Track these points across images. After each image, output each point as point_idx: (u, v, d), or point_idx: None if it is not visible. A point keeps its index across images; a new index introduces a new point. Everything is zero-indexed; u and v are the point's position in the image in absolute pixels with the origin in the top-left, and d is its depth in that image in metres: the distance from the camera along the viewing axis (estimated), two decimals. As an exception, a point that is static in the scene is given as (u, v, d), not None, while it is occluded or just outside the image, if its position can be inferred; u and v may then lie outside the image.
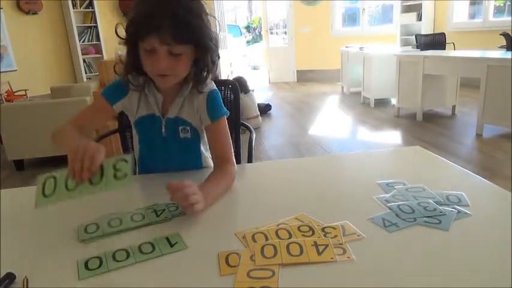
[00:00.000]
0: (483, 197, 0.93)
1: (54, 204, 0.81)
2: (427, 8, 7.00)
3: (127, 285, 0.66)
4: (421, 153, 1.27)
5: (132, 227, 0.82)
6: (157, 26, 0.92)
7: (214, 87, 1.15)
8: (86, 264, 0.70)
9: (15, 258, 0.75)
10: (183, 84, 1.11)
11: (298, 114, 5.47)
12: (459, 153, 3.47)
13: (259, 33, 15.63)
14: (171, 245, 0.75)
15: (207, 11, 1.04)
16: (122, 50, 1.11)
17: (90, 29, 7.11)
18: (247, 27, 18.01)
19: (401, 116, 4.85)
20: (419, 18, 7.06)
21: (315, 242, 0.73)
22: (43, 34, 6.60)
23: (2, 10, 5.84)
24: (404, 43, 7.18)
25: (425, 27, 7.03)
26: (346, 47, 6.58)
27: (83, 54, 6.99)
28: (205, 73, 1.08)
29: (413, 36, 6.18)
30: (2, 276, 0.66)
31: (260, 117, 4.93)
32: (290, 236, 0.76)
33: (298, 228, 0.79)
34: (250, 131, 1.54)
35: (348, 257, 0.69)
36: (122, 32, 1.02)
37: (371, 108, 5.44)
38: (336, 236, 0.75)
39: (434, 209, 0.84)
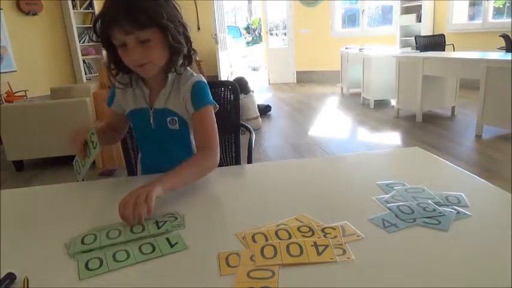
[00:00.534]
0: (482, 197, 0.93)
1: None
2: (427, 9, 7.01)
3: (127, 285, 0.66)
4: (421, 154, 1.27)
5: (131, 239, 0.78)
6: (115, 18, 0.97)
7: (202, 79, 1.17)
8: (86, 264, 0.71)
9: (16, 258, 0.75)
10: (168, 75, 1.14)
11: (298, 115, 5.47)
12: (458, 154, 3.47)
13: (259, 34, 15.64)
14: (171, 246, 0.75)
15: None
16: None
17: (90, 30, 7.11)
18: (247, 28, 18.03)
19: (400, 117, 4.85)
20: (419, 19, 7.07)
21: (315, 243, 0.73)
22: (43, 35, 6.60)
23: (2, 11, 5.84)
24: (404, 44, 7.18)
25: (425, 29, 7.03)
26: (346, 48, 6.59)
27: (82, 55, 7.00)
28: (176, 55, 1.09)
29: (413, 38, 6.19)
30: (2, 277, 0.66)
31: (260, 118, 4.93)
32: (290, 237, 0.76)
33: (298, 228, 0.79)
34: (250, 132, 1.54)
35: (348, 258, 0.69)
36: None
37: (370, 109, 5.45)
38: (335, 237, 0.75)
39: (434, 210, 0.84)
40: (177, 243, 0.76)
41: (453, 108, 4.82)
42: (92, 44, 7.13)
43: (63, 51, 6.94)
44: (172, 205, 0.94)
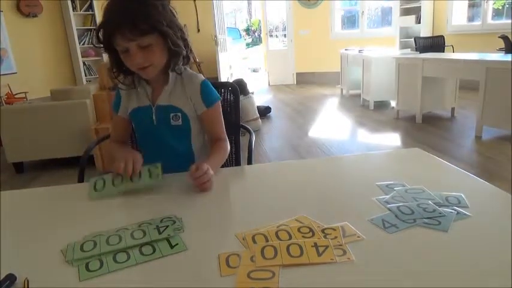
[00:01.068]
0: (482, 198, 0.93)
1: (103, 198, 1.02)
2: (426, 11, 7.02)
3: (128, 286, 0.66)
4: (421, 155, 1.27)
5: (132, 245, 0.76)
6: (118, 27, 1.04)
7: (204, 77, 1.27)
8: (86, 265, 0.71)
9: (16, 260, 0.75)
10: (169, 73, 1.21)
11: (298, 117, 5.48)
12: (458, 155, 3.47)
13: (259, 36, 15.66)
14: (172, 247, 0.76)
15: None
16: None
17: (90, 32, 7.11)
18: (247, 30, 18.05)
19: (400, 118, 4.86)
20: (418, 20, 7.08)
21: (315, 243, 0.73)
22: (43, 37, 6.61)
23: (2, 13, 5.85)
24: (404, 46, 7.19)
25: (424, 30, 7.04)
26: (346, 49, 6.60)
27: (82, 56, 7.00)
28: (176, 57, 1.16)
29: (413, 39, 6.20)
30: (2, 278, 0.66)
31: (260, 120, 4.94)
32: (290, 237, 0.76)
33: (298, 229, 0.79)
34: (250, 133, 1.54)
35: (348, 258, 0.69)
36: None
37: (370, 111, 5.45)
38: (335, 237, 0.76)
39: (434, 210, 0.84)
40: (177, 244, 0.76)
41: (453, 109, 4.82)
42: (91, 45, 7.13)
43: (63, 53, 6.94)
44: (172, 207, 0.94)
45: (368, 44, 6.80)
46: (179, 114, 1.23)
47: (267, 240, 0.75)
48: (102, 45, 1.12)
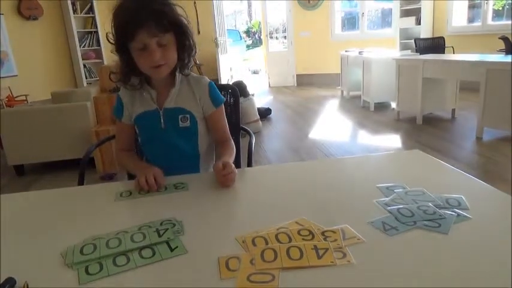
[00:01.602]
0: (483, 200, 0.93)
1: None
2: (426, 12, 7.02)
3: (127, 289, 0.66)
4: (421, 156, 1.27)
5: (131, 249, 0.76)
6: (142, 22, 1.06)
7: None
8: (86, 268, 0.71)
9: (16, 263, 0.75)
10: (175, 74, 1.23)
11: (298, 118, 5.48)
12: (459, 156, 3.47)
13: (259, 37, 15.67)
14: (171, 250, 0.75)
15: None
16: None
17: (91, 34, 7.14)
18: (247, 32, 18.07)
19: (401, 119, 4.85)
20: (418, 22, 7.08)
21: (315, 246, 0.73)
22: (44, 39, 6.63)
23: (2, 16, 5.86)
24: (404, 47, 7.19)
25: (425, 31, 7.04)
26: (346, 51, 6.60)
27: (83, 59, 7.02)
28: (188, 57, 1.21)
29: (413, 40, 6.20)
30: (2, 281, 0.66)
31: (260, 122, 4.94)
32: (290, 240, 0.76)
33: (298, 232, 0.79)
34: (250, 135, 1.54)
35: (348, 261, 0.69)
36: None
37: (371, 112, 5.45)
38: (335, 240, 0.75)
39: (434, 213, 0.84)
40: (177, 247, 0.76)
41: (453, 110, 4.82)
42: (92, 48, 7.15)
43: (63, 55, 6.96)
44: (172, 210, 0.94)
45: (368, 46, 6.80)
46: (187, 116, 1.25)
47: (266, 243, 0.75)
48: (115, 42, 1.13)
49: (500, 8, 6.47)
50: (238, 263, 0.69)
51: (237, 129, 1.56)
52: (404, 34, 7.30)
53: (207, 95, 1.26)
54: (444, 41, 6.10)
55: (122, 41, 1.12)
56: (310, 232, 0.78)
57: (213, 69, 7.14)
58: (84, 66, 7.07)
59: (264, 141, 4.41)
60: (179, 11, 1.14)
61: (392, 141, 4.14)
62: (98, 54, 7.18)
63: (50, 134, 3.56)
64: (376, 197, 0.94)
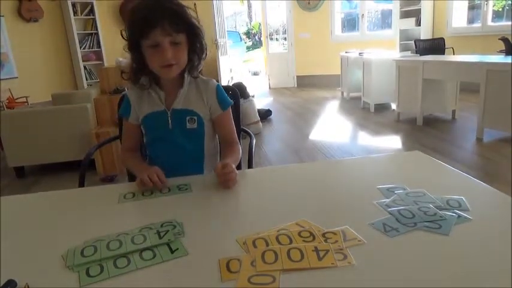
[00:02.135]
0: (483, 201, 0.93)
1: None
2: (426, 13, 7.02)
3: (128, 291, 0.66)
4: (422, 157, 1.27)
5: (132, 251, 0.76)
6: (157, 20, 1.08)
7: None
8: (87, 270, 0.70)
9: (16, 265, 0.75)
10: (184, 76, 1.24)
11: (299, 120, 5.48)
12: (459, 157, 3.47)
13: (259, 39, 15.69)
14: (172, 251, 0.75)
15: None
16: (123, 57, 1.18)
17: (91, 36, 7.14)
18: (247, 33, 18.09)
19: (401, 120, 4.85)
20: (418, 23, 7.08)
21: (316, 248, 0.73)
22: (44, 41, 6.63)
23: (3, 18, 5.87)
24: (404, 48, 7.20)
25: (424, 33, 7.05)
26: (346, 52, 6.60)
27: (83, 60, 7.02)
28: (198, 59, 1.23)
29: (413, 41, 6.20)
30: (3, 284, 0.66)
31: (260, 123, 4.94)
32: (291, 242, 0.76)
33: (299, 233, 0.79)
34: (251, 137, 1.54)
35: (349, 262, 0.69)
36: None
37: (371, 113, 5.45)
38: (336, 241, 0.75)
39: (435, 214, 0.84)
40: (177, 249, 0.76)
41: (453, 111, 4.82)
42: (92, 50, 7.15)
43: (64, 57, 6.97)
44: (173, 211, 0.94)
45: (368, 47, 6.80)
46: (195, 117, 1.26)
47: (267, 245, 0.75)
48: (128, 41, 1.15)
49: (500, 9, 6.47)
50: (239, 265, 0.69)
51: (238, 130, 1.56)
52: (404, 35, 7.31)
53: (215, 97, 1.27)
54: (444, 42, 6.10)
55: (135, 39, 1.13)
56: (311, 233, 0.78)
57: (213, 70, 7.15)
58: (85, 68, 7.07)
59: (265, 142, 4.41)
60: (192, 13, 1.17)
61: (393, 142, 4.14)
62: (99, 56, 7.19)
63: (50, 135, 3.56)
64: (377, 198, 0.94)
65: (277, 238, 0.77)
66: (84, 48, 7.06)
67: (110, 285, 0.67)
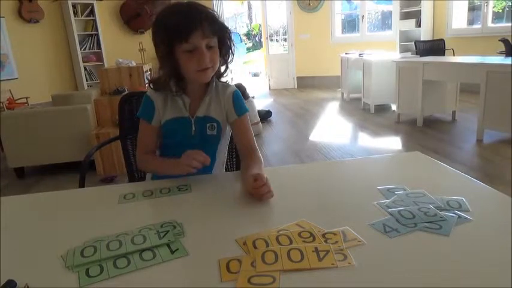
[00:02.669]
0: (483, 202, 0.93)
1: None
2: (426, 15, 7.03)
3: (128, 292, 0.66)
4: (422, 158, 1.27)
5: (132, 251, 0.76)
6: (196, 24, 1.08)
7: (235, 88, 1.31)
8: (86, 271, 0.70)
9: (16, 266, 0.75)
10: (209, 83, 1.24)
11: (299, 121, 5.48)
12: (459, 158, 3.47)
13: (259, 40, 15.69)
14: (172, 252, 0.75)
15: None
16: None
17: (91, 37, 7.15)
18: (247, 34, 18.10)
19: (401, 121, 4.85)
20: (418, 24, 7.09)
21: (316, 248, 0.73)
22: (44, 42, 6.64)
23: (3, 19, 5.88)
24: (404, 49, 7.20)
25: (425, 34, 7.06)
26: (346, 53, 6.60)
27: (84, 62, 7.02)
28: (225, 63, 1.24)
29: (413, 43, 6.21)
30: (2, 284, 0.66)
31: (260, 124, 4.94)
32: (291, 242, 0.76)
33: (299, 234, 0.79)
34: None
35: (349, 263, 0.69)
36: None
37: (371, 114, 5.45)
38: (336, 242, 0.75)
39: (435, 215, 0.84)
40: (177, 249, 0.76)
41: (454, 112, 4.82)
42: (93, 51, 7.16)
43: (64, 58, 6.97)
44: (173, 212, 0.94)
45: (368, 48, 6.80)
46: (215, 124, 1.26)
47: (267, 245, 0.75)
48: (163, 47, 1.13)
49: (500, 10, 6.48)
50: (239, 265, 0.69)
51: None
52: (405, 36, 7.31)
53: (231, 103, 1.26)
54: (444, 43, 6.11)
55: (171, 44, 1.11)
56: (311, 234, 0.78)
57: (214, 71, 7.14)
58: (85, 68, 7.07)
59: (265, 143, 4.41)
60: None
61: (393, 143, 4.14)
62: (99, 57, 7.19)
63: (51, 136, 3.56)
64: (377, 199, 0.94)
65: (277, 238, 0.77)
66: (84, 49, 7.07)
67: (110, 285, 0.67)
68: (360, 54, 6.00)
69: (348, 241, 0.76)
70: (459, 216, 0.83)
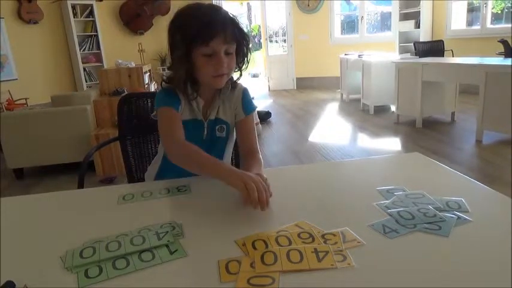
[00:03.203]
0: (483, 203, 0.93)
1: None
2: (425, 16, 7.05)
3: (127, 293, 0.66)
4: (421, 159, 1.27)
5: (131, 252, 0.75)
6: (218, 29, 1.06)
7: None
8: (85, 272, 0.70)
9: (15, 267, 0.75)
10: (222, 88, 1.20)
11: (298, 122, 5.48)
12: (459, 159, 3.47)
13: (259, 41, 15.70)
14: (171, 253, 0.75)
15: None
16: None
17: (91, 38, 7.15)
18: (247, 35, 18.06)
19: (400, 122, 4.86)
20: (418, 25, 7.11)
21: (315, 249, 0.73)
22: (44, 43, 6.64)
23: (3, 20, 5.88)
24: (403, 50, 7.22)
25: (424, 35, 7.07)
26: (345, 54, 6.61)
27: (83, 62, 7.02)
28: (240, 70, 1.22)
29: (412, 44, 6.22)
30: (1, 285, 0.66)
31: (260, 125, 4.94)
32: (290, 243, 0.76)
33: (299, 235, 0.78)
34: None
35: (348, 264, 0.69)
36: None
37: (370, 115, 5.45)
38: (336, 243, 0.75)
39: (434, 215, 0.84)
40: (177, 250, 0.76)
41: (453, 113, 4.82)
42: (92, 51, 7.16)
43: (63, 59, 6.97)
44: (172, 213, 0.94)
45: (367, 49, 6.82)
46: (224, 126, 1.26)
47: (266, 246, 0.75)
48: (182, 50, 1.09)
49: (499, 11, 6.49)
50: (238, 266, 0.69)
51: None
52: (404, 37, 7.33)
53: (240, 101, 1.25)
54: (443, 44, 6.12)
55: (190, 46, 1.08)
56: (310, 235, 0.78)
57: (213, 72, 7.14)
58: (84, 69, 7.07)
59: (264, 144, 4.41)
60: None
61: (392, 144, 4.14)
62: (98, 58, 7.20)
63: (50, 137, 3.56)
64: (376, 200, 0.94)
65: (276, 239, 0.77)
66: (83, 50, 7.07)
67: (109, 286, 0.67)
68: (359, 55, 6.01)
69: (347, 242, 0.76)
70: (458, 217, 0.83)
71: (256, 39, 17.31)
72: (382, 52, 6.54)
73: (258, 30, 15.88)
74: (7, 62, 5.95)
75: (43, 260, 0.76)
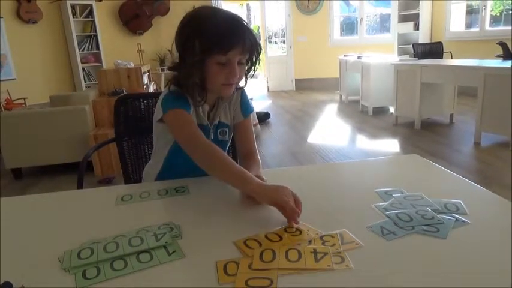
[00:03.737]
0: (481, 205, 0.93)
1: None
2: (424, 18, 7.06)
3: (125, 294, 0.66)
4: (419, 161, 1.27)
5: (129, 253, 0.75)
6: (239, 38, 1.04)
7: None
8: (83, 273, 0.70)
9: (13, 267, 0.74)
10: None
11: (297, 123, 5.48)
12: (457, 161, 3.47)
13: (258, 42, 15.68)
14: (169, 254, 0.75)
15: None
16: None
17: (90, 38, 7.15)
18: (246, 36, 18.08)
19: (399, 124, 4.86)
20: (417, 27, 7.12)
21: (314, 250, 0.73)
22: (43, 43, 6.63)
23: (2, 19, 5.87)
24: (402, 52, 7.23)
25: (423, 37, 7.08)
26: (344, 55, 6.62)
27: (82, 62, 7.01)
28: (246, 81, 1.20)
29: (411, 45, 6.22)
30: (-2, 286, 0.66)
31: (259, 126, 4.94)
32: (281, 239, 0.77)
33: (285, 230, 0.80)
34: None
35: (346, 266, 0.69)
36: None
37: (369, 117, 5.46)
38: (334, 245, 0.75)
39: (433, 217, 0.84)
40: (175, 251, 0.76)
41: (451, 115, 4.83)
42: (91, 51, 7.16)
43: (62, 59, 6.96)
44: (170, 214, 0.94)
45: (367, 51, 6.83)
46: (226, 129, 1.26)
47: (265, 246, 0.75)
48: (197, 55, 1.05)
49: (498, 14, 6.50)
50: (236, 268, 0.69)
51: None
52: (403, 39, 7.34)
53: (239, 102, 1.26)
54: (442, 46, 6.13)
55: (207, 52, 1.05)
56: (297, 229, 0.80)
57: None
58: (83, 69, 7.07)
59: (263, 145, 4.41)
60: None
61: (391, 145, 4.14)
62: (97, 58, 7.19)
63: (48, 137, 3.55)
64: (375, 202, 0.94)
65: (274, 240, 0.77)
66: (82, 50, 7.07)
67: (107, 287, 0.67)
68: (358, 57, 6.02)
69: (346, 244, 0.76)
70: (457, 219, 0.83)
71: (255, 40, 17.31)
72: (381, 54, 6.56)
73: (258, 31, 15.90)
74: (6, 61, 5.94)
75: (41, 261, 0.76)
